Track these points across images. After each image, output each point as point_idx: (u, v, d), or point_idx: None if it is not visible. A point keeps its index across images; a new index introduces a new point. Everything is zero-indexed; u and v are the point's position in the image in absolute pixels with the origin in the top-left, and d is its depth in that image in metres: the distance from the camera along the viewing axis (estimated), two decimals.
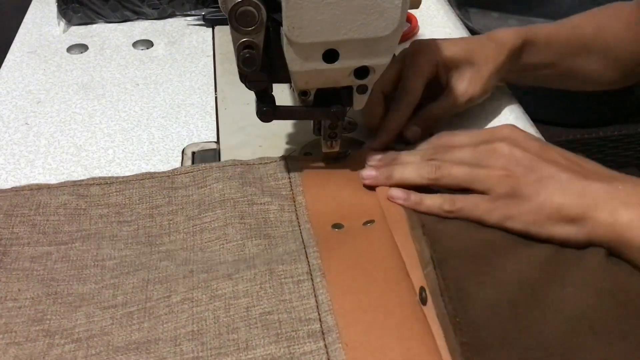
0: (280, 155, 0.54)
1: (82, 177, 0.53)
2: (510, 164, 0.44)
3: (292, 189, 0.50)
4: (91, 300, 0.41)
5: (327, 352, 0.37)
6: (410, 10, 0.42)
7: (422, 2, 0.45)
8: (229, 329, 0.39)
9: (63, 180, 0.52)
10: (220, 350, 0.38)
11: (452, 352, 0.37)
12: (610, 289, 0.39)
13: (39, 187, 0.50)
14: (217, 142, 0.57)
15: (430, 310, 0.39)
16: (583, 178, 0.43)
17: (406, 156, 0.50)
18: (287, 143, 0.57)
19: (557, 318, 0.37)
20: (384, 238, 0.44)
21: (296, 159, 0.53)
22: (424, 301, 0.40)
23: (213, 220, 0.47)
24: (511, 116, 0.60)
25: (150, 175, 0.51)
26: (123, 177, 0.51)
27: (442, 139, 0.50)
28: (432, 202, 0.45)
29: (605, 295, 0.39)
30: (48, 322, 0.40)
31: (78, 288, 0.42)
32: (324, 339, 0.38)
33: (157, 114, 0.61)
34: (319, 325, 0.39)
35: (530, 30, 0.57)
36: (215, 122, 0.60)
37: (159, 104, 0.63)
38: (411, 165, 0.48)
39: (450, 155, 0.47)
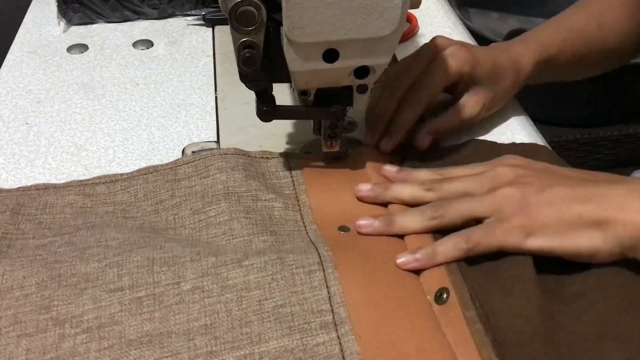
0: None
1: (83, 177, 0.53)
2: (516, 179, 0.41)
3: (294, 188, 0.50)
4: (96, 282, 0.41)
5: (339, 344, 0.37)
6: (410, 10, 0.42)
7: (422, 2, 0.45)
8: (242, 323, 0.38)
9: (64, 180, 0.52)
10: (233, 344, 0.38)
11: (481, 349, 0.36)
12: (630, 300, 0.38)
13: (45, 187, 0.50)
14: (217, 142, 0.57)
15: (448, 310, 0.39)
16: (598, 182, 0.40)
17: (402, 188, 0.47)
18: (287, 143, 0.57)
19: (580, 330, 0.37)
20: (391, 241, 0.44)
21: (297, 157, 0.53)
22: (442, 301, 0.39)
23: (218, 214, 0.47)
24: (511, 116, 0.60)
25: (154, 169, 0.51)
26: (127, 173, 0.51)
27: (441, 172, 0.48)
28: (445, 247, 0.40)
29: (624, 307, 0.38)
30: (55, 308, 0.39)
31: (81, 267, 0.42)
32: (336, 330, 0.38)
33: (157, 114, 0.61)
34: (331, 317, 0.39)
35: (545, 50, 0.56)
36: (215, 122, 0.60)
37: (159, 103, 0.63)
38: (410, 212, 0.44)
39: (450, 185, 0.45)
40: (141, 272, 0.41)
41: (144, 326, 0.38)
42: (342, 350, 0.37)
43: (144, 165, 0.55)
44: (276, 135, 0.57)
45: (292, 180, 0.51)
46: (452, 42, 0.54)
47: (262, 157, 0.52)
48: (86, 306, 0.40)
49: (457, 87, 0.55)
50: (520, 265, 0.40)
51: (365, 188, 0.48)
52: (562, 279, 0.40)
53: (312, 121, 0.52)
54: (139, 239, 0.44)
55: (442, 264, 0.41)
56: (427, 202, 0.45)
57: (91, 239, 0.44)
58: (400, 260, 0.42)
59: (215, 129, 0.59)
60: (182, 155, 0.56)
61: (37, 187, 0.50)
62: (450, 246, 0.41)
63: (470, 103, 0.54)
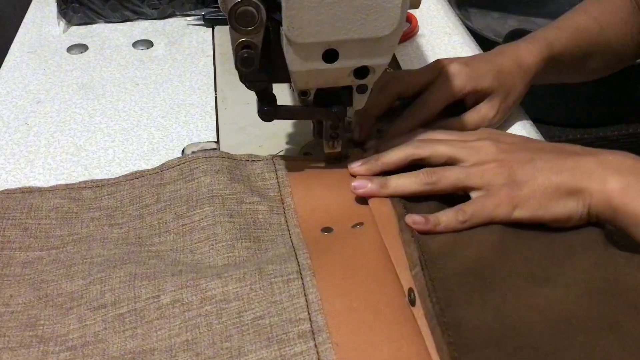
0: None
1: (82, 177, 0.53)
2: (500, 156, 0.45)
3: (279, 190, 0.50)
4: (80, 300, 0.41)
5: (317, 353, 0.37)
6: (410, 10, 0.42)
7: (422, 2, 0.45)
8: (222, 337, 0.39)
9: (64, 181, 0.52)
10: (214, 359, 0.38)
11: (439, 352, 0.36)
12: (600, 286, 0.39)
13: (30, 190, 0.49)
14: (217, 142, 0.57)
15: (419, 311, 0.39)
16: (572, 155, 0.44)
17: (393, 153, 0.48)
18: (287, 143, 0.57)
19: (545, 319, 0.37)
20: (373, 240, 0.44)
21: (284, 159, 0.53)
22: (412, 302, 0.40)
23: (202, 219, 0.47)
24: (511, 116, 0.60)
25: (140, 174, 0.51)
26: (114, 178, 0.51)
27: (427, 133, 0.50)
28: (447, 217, 0.44)
29: (595, 292, 0.38)
30: (41, 327, 0.40)
31: (67, 286, 0.42)
32: (314, 339, 0.38)
33: (157, 114, 0.61)
34: (309, 325, 0.39)
35: (551, 47, 0.57)
36: (215, 122, 0.60)
37: (159, 104, 0.63)
38: (405, 175, 0.47)
39: (439, 146, 0.47)
40: (123, 287, 0.41)
41: (127, 344, 0.39)
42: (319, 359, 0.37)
43: (143, 165, 0.55)
44: (276, 135, 0.57)
45: (278, 182, 0.51)
46: (453, 61, 0.55)
47: (248, 160, 0.52)
48: (71, 326, 0.40)
49: (466, 104, 0.56)
50: (491, 252, 0.41)
51: (356, 164, 0.49)
52: (551, 267, 0.41)
53: (312, 124, 0.52)
54: (123, 255, 0.44)
55: (443, 232, 0.43)
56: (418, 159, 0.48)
57: (77, 255, 0.44)
58: (412, 219, 0.43)
59: (215, 129, 0.59)
60: (182, 155, 0.56)
61: (22, 190, 0.49)
62: (452, 217, 0.44)
63: (484, 110, 0.56)
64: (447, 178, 0.45)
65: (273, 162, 0.52)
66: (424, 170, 0.46)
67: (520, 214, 0.43)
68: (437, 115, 0.55)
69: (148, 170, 0.52)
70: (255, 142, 0.56)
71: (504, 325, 0.37)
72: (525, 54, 0.56)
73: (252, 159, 0.52)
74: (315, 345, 0.38)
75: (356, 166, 0.49)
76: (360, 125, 0.54)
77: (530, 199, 0.43)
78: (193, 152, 0.55)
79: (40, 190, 0.49)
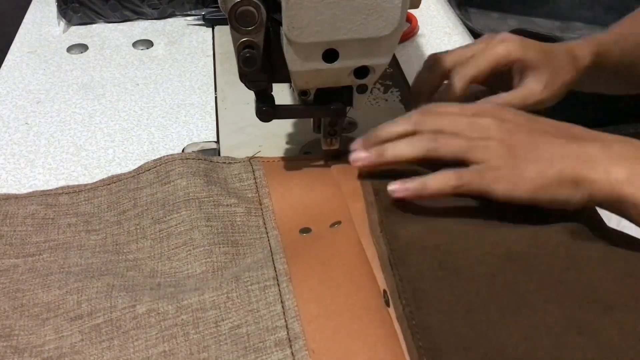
0: (280, 155, 0.54)
1: (82, 177, 0.53)
2: (505, 135, 0.44)
3: (257, 191, 0.50)
4: (57, 311, 0.40)
5: None
6: (410, 10, 0.42)
7: (422, 2, 0.45)
8: (200, 348, 0.38)
9: (64, 181, 0.53)
10: None
11: (410, 355, 0.36)
12: (573, 288, 0.38)
13: (6, 197, 0.49)
14: (217, 142, 0.57)
15: (393, 312, 0.39)
16: (577, 140, 0.43)
17: (391, 126, 0.45)
18: (287, 143, 0.57)
19: (516, 322, 0.37)
20: (351, 240, 0.44)
21: (261, 159, 0.53)
22: (388, 303, 0.39)
23: (179, 224, 0.46)
24: None
25: (117, 178, 0.51)
26: (92, 183, 0.51)
27: (428, 107, 0.48)
28: (436, 181, 0.41)
29: (567, 295, 0.38)
30: (16, 337, 0.39)
31: (43, 297, 0.41)
32: (290, 347, 0.38)
33: (157, 114, 0.61)
34: (285, 333, 0.39)
35: (602, 44, 0.56)
36: (215, 122, 0.60)
37: (159, 104, 0.63)
38: (403, 140, 0.44)
39: (441, 120, 0.45)
40: (99, 298, 0.41)
41: (104, 355, 0.38)
42: None
43: None
44: (276, 135, 0.57)
45: (256, 183, 0.50)
46: (502, 33, 0.54)
47: (225, 162, 0.52)
48: (48, 337, 0.39)
49: (512, 80, 0.54)
50: (462, 248, 0.40)
51: (358, 156, 0.45)
52: (528, 270, 0.40)
53: (312, 120, 0.52)
54: (101, 265, 0.44)
55: (431, 196, 0.42)
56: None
57: (54, 264, 0.44)
58: (391, 187, 0.42)
59: (215, 129, 0.59)
60: None
61: None
62: (440, 179, 0.42)
63: (531, 83, 0.53)
64: (450, 146, 0.43)
65: (250, 163, 0.52)
66: (425, 136, 0.44)
67: (518, 194, 0.41)
68: (482, 94, 0.53)
69: (125, 174, 0.51)
70: (255, 142, 0.56)
71: (474, 329, 0.36)
72: (576, 46, 0.55)
73: (229, 161, 0.52)
74: (292, 353, 0.38)
75: (358, 145, 0.45)
76: (415, 105, 0.51)
77: (530, 181, 0.41)
78: (197, 150, 0.55)
79: (16, 197, 0.49)
